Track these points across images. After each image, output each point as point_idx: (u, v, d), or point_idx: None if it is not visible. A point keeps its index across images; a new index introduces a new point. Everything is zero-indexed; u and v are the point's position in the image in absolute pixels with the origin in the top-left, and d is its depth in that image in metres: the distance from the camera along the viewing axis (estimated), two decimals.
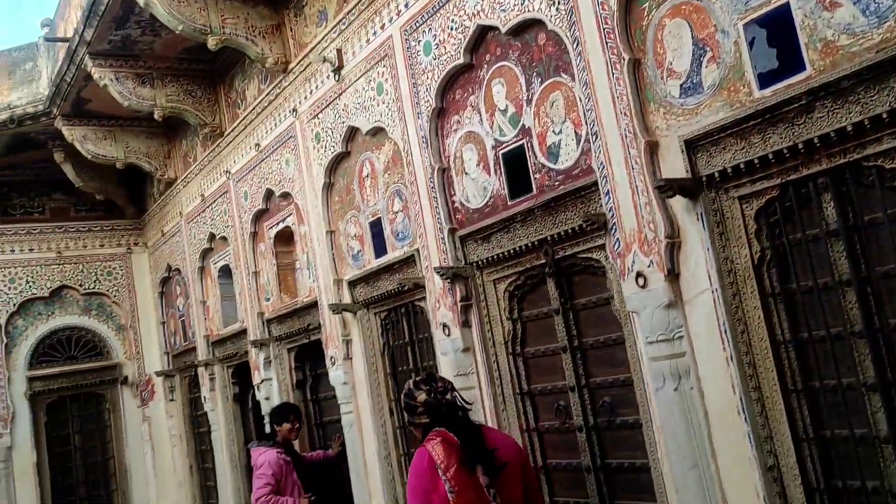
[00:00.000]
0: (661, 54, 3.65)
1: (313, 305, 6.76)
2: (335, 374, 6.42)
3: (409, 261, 5.52)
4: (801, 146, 3.09)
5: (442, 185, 5.12)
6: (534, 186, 4.48)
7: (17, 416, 10.21)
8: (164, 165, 9.78)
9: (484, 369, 4.88)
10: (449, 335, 5.04)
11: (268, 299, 7.69)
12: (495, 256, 4.74)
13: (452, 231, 5.04)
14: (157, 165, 9.74)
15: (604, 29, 3.82)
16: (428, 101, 5.12)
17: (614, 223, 3.89)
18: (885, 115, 2.83)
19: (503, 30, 4.51)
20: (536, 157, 4.45)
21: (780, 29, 3.15)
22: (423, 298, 5.39)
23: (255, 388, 7.90)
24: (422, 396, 3.12)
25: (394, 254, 5.74)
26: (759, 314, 3.37)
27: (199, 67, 8.23)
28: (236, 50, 7.02)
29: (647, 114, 3.73)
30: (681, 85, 3.57)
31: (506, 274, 4.76)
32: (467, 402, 3.19)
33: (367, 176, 6.01)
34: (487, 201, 4.82)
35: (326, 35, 6.12)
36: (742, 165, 3.31)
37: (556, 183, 4.32)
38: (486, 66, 4.77)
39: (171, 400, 10.81)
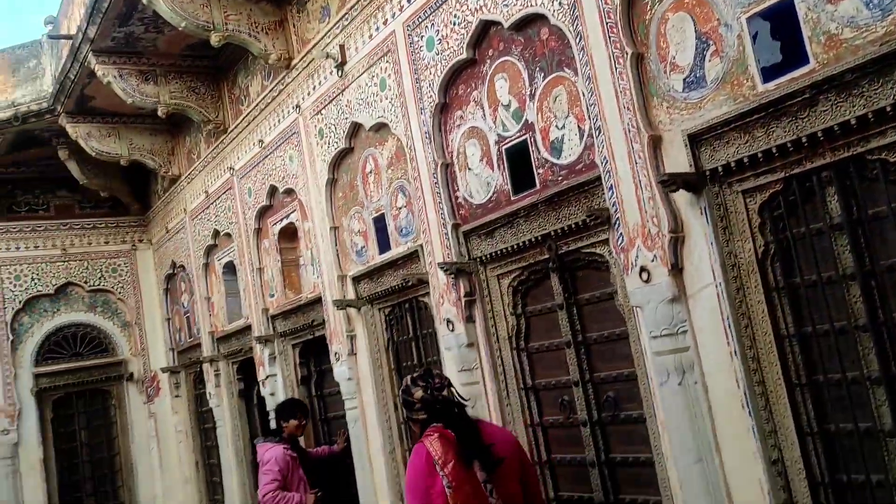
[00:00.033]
0: (665, 48, 3.64)
1: (317, 301, 6.78)
2: (339, 370, 6.43)
3: (412, 256, 5.52)
4: (804, 140, 3.09)
5: (445, 180, 5.12)
6: (537, 181, 4.47)
7: (23, 412, 10.26)
8: (167, 162, 9.80)
9: (488, 364, 4.88)
10: (453, 330, 5.04)
11: (272, 295, 7.70)
12: (499, 252, 4.74)
13: (456, 226, 5.04)
14: (160, 162, 9.76)
15: (607, 23, 3.82)
16: (431, 96, 5.12)
17: (618, 218, 3.88)
18: (888, 109, 2.82)
19: (506, 24, 4.51)
20: (540, 152, 4.44)
21: (784, 22, 3.14)
22: (427, 294, 5.39)
23: (260, 383, 7.92)
24: (419, 393, 3.15)
25: (397, 249, 5.74)
26: (762, 308, 3.36)
27: (203, 64, 8.24)
28: (239, 46, 7.03)
29: (650, 108, 3.72)
30: (684, 79, 3.56)
31: (509, 269, 4.76)
32: (464, 399, 3.22)
33: (371, 172, 6.01)
34: (491, 196, 4.82)
35: (329, 31, 6.12)
36: (746, 159, 3.30)
37: (560, 178, 4.32)
38: (488, 61, 4.76)
39: (177, 396, 10.85)
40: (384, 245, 5.91)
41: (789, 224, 3.28)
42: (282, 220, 7.45)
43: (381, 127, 5.76)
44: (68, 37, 8.31)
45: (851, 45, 2.93)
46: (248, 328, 8.18)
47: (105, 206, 11.27)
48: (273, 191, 7.44)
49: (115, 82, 7.85)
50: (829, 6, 2.98)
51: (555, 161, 4.35)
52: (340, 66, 6.04)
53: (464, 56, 4.84)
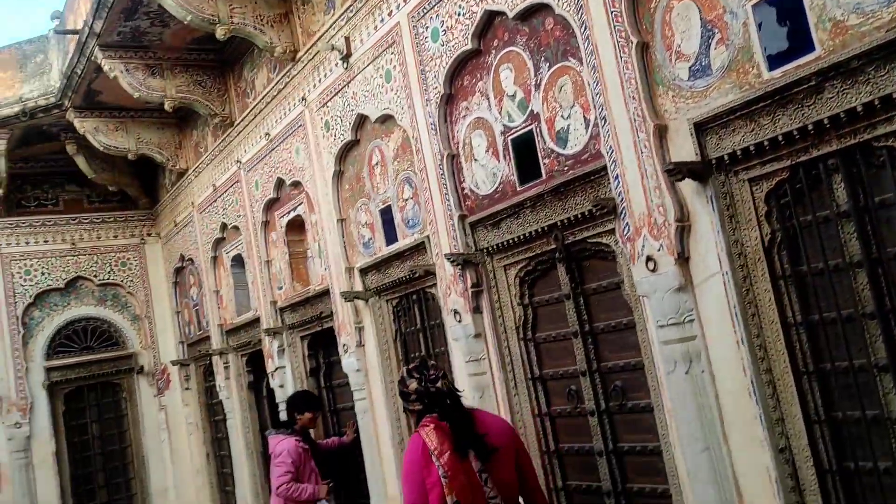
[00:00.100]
0: (670, 37, 3.63)
1: (325, 293, 6.80)
2: (348, 362, 6.46)
3: (419, 248, 5.53)
4: (810, 127, 3.07)
5: (451, 171, 5.12)
6: (543, 172, 4.47)
7: (35, 405, 10.34)
8: (175, 156, 9.83)
9: (495, 355, 4.89)
10: (460, 321, 5.06)
11: (280, 288, 7.73)
12: (505, 242, 4.74)
13: (462, 217, 5.05)
14: (168, 156, 9.79)
15: (611, 12, 3.81)
16: (436, 87, 5.12)
17: (624, 207, 3.88)
18: (895, 95, 2.80)
19: (510, 15, 4.50)
20: (545, 143, 4.44)
21: (789, 9, 3.12)
22: (434, 285, 5.40)
23: (269, 375, 7.97)
24: (413, 384, 3.21)
25: (404, 241, 5.75)
26: (769, 296, 3.36)
27: (209, 57, 8.26)
28: (245, 39, 7.03)
29: (655, 97, 3.71)
30: (689, 67, 3.55)
31: (516, 260, 4.77)
32: (458, 389, 3.27)
33: (377, 164, 6.02)
34: (497, 187, 4.82)
35: (334, 23, 6.12)
36: (752, 147, 3.29)
37: (566, 168, 4.32)
38: (493, 51, 4.75)
39: (187, 388, 10.92)
40: (391, 237, 5.92)
41: (796, 212, 3.27)
42: (289, 212, 7.47)
43: (386, 119, 5.76)
44: (75, 32, 8.33)
45: (857, 31, 2.91)
46: (256, 321, 8.22)
47: (113, 200, 11.33)
48: (280, 183, 7.46)
49: (122, 77, 7.88)
50: None
51: (560, 151, 4.35)
52: (346, 58, 6.04)
53: (469, 47, 4.83)
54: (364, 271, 6.23)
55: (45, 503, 10.20)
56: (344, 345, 6.51)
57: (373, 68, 5.77)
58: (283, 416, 7.22)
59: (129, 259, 11.31)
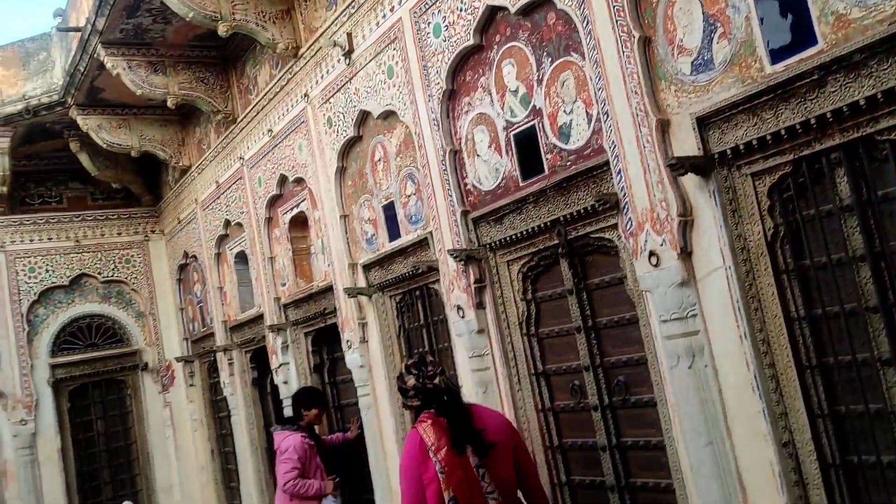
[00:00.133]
0: (672, 31, 3.62)
1: (329, 290, 6.81)
2: (352, 358, 6.47)
3: (422, 244, 5.54)
4: (813, 121, 3.07)
5: (454, 167, 5.12)
6: (545, 167, 4.47)
7: (40, 402, 10.37)
8: (178, 153, 9.84)
9: (499, 350, 4.90)
10: (463, 317, 5.06)
11: (284, 284, 7.74)
12: (508, 238, 4.74)
13: (465, 213, 5.05)
14: (171, 153, 9.79)
15: (613, 7, 3.80)
16: (438, 83, 5.12)
17: (626, 202, 3.88)
18: None
19: (512, 10, 4.49)
20: (548, 138, 4.44)
21: (791, 3, 3.11)
22: (438, 281, 5.41)
23: (274, 372, 7.98)
24: (411, 381, 3.24)
25: (407, 237, 5.76)
26: (772, 291, 3.36)
27: (211, 54, 8.26)
28: (247, 36, 7.03)
29: (657, 92, 3.71)
30: (692, 62, 3.55)
31: (519, 255, 4.77)
32: (456, 385, 3.29)
33: (380, 160, 6.02)
34: (499, 183, 4.82)
35: (336, 19, 6.12)
36: (754, 142, 3.29)
37: (568, 163, 4.32)
38: (496, 46, 4.75)
39: (192, 385, 10.94)
40: (394, 233, 5.93)
41: (798, 206, 3.27)
42: (292, 209, 7.48)
43: (389, 115, 5.76)
44: (77, 29, 8.35)
45: (860, 24, 2.90)
46: (260, 317, 8.23)
47: (117, 197, 11.34)
48: (283, 180, 7.47)
49: (125, 74, 7.88)
50: None
51: (563, 146, 4.35)
52: (348, 54, 6.04)
53: (471, 42, 4.83)
54: (367, 267, 6.23)
55: (51, 500, 10.23)
56: (347, 341, 6.52)
57: (375, 64, 5.77)
58: (287, 411, 7.25)
59: (132, 256, 11.33)
